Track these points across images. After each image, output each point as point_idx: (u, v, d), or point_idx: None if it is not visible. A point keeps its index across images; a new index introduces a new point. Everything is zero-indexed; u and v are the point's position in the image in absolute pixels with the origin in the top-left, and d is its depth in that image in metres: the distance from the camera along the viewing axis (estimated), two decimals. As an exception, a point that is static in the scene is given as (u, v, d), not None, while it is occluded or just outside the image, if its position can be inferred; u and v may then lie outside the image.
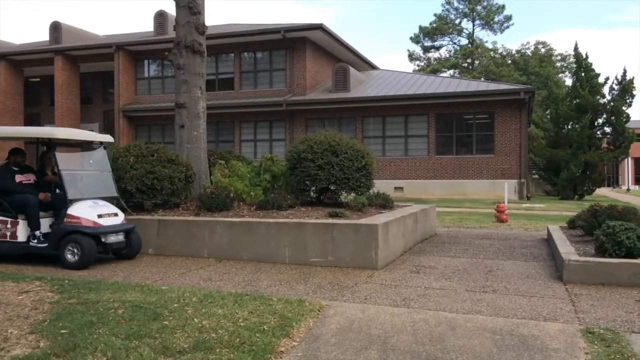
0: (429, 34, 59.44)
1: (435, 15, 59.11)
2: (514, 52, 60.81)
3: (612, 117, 26.60)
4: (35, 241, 7.40)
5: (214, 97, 26.46)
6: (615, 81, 27.04)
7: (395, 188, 23.25)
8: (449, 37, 60.02)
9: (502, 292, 5.83)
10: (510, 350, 4.03)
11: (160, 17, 29.15)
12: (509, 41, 78.71)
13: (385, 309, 5.10)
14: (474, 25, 59.10)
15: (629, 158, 52.17)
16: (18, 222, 7.46)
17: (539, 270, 7.10)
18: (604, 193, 35.51)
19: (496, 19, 57.83)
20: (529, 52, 60.18)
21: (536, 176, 32.19)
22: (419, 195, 22.90)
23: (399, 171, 24.17)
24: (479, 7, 57.57)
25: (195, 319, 4.57)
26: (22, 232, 7.47)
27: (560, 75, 57.77)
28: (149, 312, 4.74)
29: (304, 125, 25.51)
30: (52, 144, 7.63)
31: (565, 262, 6.40)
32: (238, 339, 4.10)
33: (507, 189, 20.76)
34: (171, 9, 11.16)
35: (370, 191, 10.09)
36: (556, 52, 61.24)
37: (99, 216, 7.34)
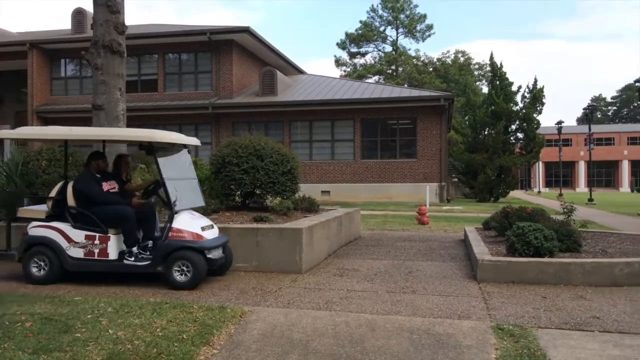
0: (354, 41, 60.65)
1: (360, 22, 60.58)
2: (435, 60, 63.25)
3: (524, 124, 28.24)
4: (132, 259, 6.38)
5: (136, 99, 25.61)
6: (527, 90, 28.77)
7: (322, 192, 23.46)
8: (374, 44, 61.53)
9: (421, 293, 6.03)
10: (426, 349, 4.17)
11: (79, 14, 27.87)
12: (430, 49, 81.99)
13: (307, 312, 5.13)
14: (397, 33, 60.94)
15: (540, 162, 55.54)
16: (109, 237, 6.41)
17: (455, 270, 7.40)
18: (517, 195, 37.59)
19: (418, 28, 59.93)
20: (449, 60, 62.75)
21: (456, 180, 33.54)
22: (345, 198, 23.23)
23: (325, 175, 24.41)
24: (402, 16, 59.40)
25: (109, 330, 4.39)
26: (113, 249, 6.41)
27: (477, 83, 60.67)
28: (59, 325, 4.51)
29: (231, 128, 25.22)
30: (152, 148, 6.44)
31: (479, 262, 6.71)
32: (155, 350, 3.99)
33: (428, 192, 21.50)
34: (90, 7, 10.67)
35: (296, 195, 10.12)
36: (474, 61, 64.34)
37: (202, 229, 6.43)
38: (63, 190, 6.71)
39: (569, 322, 4.87)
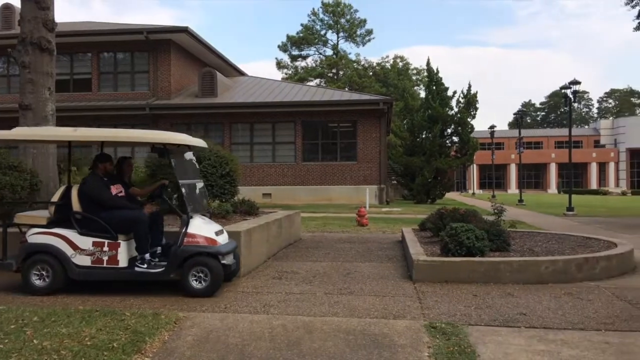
0: (296, 43, 60.82)
1: (302, 25, 60.73)
2: (375, 64, 64.37)
3: (459, 128, 29.21)
4: (145, 266, 6.04)
5: (68, 98, 24.60)
6: (462, 95, 29.76)
7: (263, 194, 23.33)
8: (315, 47, 61.96)
9: (358, 294, 6.10)
10: (362, 350, 4.22)
11: (6, 10, 26.48)
12: (370, 54, 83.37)
13: (244, 316, 5.09)
14: (338, 37, 61.61)
15: (474, 165, 57.61)
16: (119, 243, 6.04)
17: (392, 270, 7.54)
18: (453, 197, 38.77)
19: (359, 32, 60.86)
20: (388, 65, 64.07)
21: (395, 182, 34.24)
22: (286, 201, 23.21)
23: (267, 177, 24.30)
24: (342, 20, 60.11)
25: (34, 340, 4.19)
26: (124, 256, 6.04)
27: (415, 88, 62.21)
28: (-21, 337, 4.25)
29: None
30: (167, 150, 6.17)
31: (414, 262, 6.87)
32: (83, 359, 3.84)
33: (368, 194, 21.82)
34: (18, 2, 10.17)
35: (236, 198, 10.03)
36: (412, 67, 66.00)
37: (216, 234, 6.20)
38: (66, 195, 6.30)
39: (497, 319, 5.06)
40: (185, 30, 24.13)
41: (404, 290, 6.31)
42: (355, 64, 60.94)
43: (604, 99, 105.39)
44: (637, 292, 6.22)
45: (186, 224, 5.99)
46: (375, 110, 23.94)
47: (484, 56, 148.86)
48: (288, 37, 60.81)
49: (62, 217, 6.18)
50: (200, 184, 6.83)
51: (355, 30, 60.35)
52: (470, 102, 29.20)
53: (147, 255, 6.12)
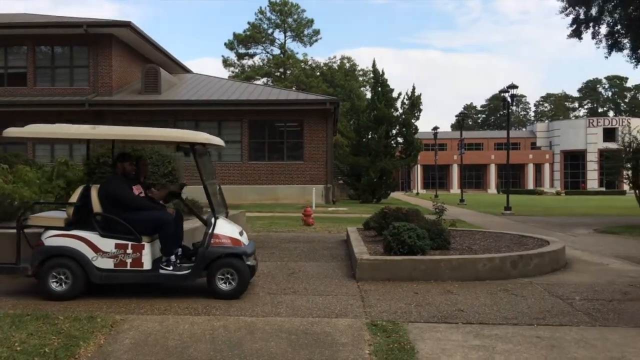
0: (243, 42, 60.27)
1: (249, 23, 60.20)
2: (322, 64, 64.64)
3: (404, 129, 29.77)
4: (170, 268, 5.85)
5: (2, 93, 23.44)
6: (406, 96, 30.34)
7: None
8: (263, 46, 61.62)
9: (302, 293, 6.12)
10: (304, 349, 4.23)
11: None
12: (318, 54, 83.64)
13: (185, 318, 5.00)
14: (285, 37, 61.50)
15: (419, 165, 58.93)
16: (143, 245, 5.82)
17: (336, 269, 7.60)
18: (397, 197, 39.48)
19: (306, 32, 60.95)
20: (335, 65, 64.48)
21: (341, 181, 34.53)
22: (232, 200, 22.89)
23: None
24: (290, 20, 60.04)
25: (-42, 348, 3.96)
26: (148, 258, 5.84)
27: (362, 88, 62.90)
28: None
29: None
30: (194, 150, 5.99)
31: (357, 261, 6.95)
32: (12, 366, 3.66)
33: (314, 193, 21.91)
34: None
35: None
36: (359, 68, 66.67)
37: (240, 234, 6.12)
38: (85, 195, 5.98)
39: (436, 316, 5.19)
40: (127, 25, 23.46)
41: (347, 289, 6.37)
42: (302, 64, 61.01)
43: (541, 102, 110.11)
44: (567, 288, 6.52)
45: (212, 225, 5.90)
46: (322, 110, 24.05)
47: (428, 59, 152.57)
48: (235, 35, 60.21)
49: (81, 219, 5.90)
50: (218, 185, 6.71)
51: (303, 30, 60.43)
52: (414, 103, 29.80)
53: (173, 257, 5.96)
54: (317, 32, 61.38)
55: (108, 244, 5.79)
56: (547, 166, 72.26)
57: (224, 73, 62.86)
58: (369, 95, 47.58)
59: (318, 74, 61.62)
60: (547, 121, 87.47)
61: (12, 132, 5.86)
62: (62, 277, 5.70)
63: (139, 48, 26.51)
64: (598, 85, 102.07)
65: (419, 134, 30.91)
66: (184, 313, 5.20)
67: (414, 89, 30.55)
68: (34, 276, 5.79)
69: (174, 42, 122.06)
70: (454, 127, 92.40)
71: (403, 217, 9.00)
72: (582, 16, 17.54)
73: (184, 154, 6.09)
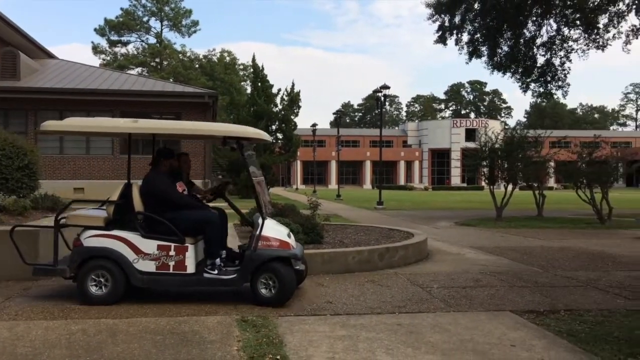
0: (115, 28, 56.95)
1: (122, 9, 57.02)
2: (201, 57, 63.10)
3: (283, 125, 30.04)
4: (215, 272, 5.44)
5: None
6: (286, 93, 30.61)
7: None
8: (137, 34, 58.70)
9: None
10: (169, 349, 4.10)
11: None
12: (197, 46, 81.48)
13: (38, 323, 4.63)
14: (162, 26, 59.13)
15: (298, 161, 59.76)
16: (186, 247, 5.42)
17: (209, 266, 7.46)
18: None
19: (184, 23, 59.06)
20: (215, 58, 63.22)
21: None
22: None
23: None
24: (167, 8, 57.83)
25: None
26: (191, 261, 5.43)
27: (242, 83, 62.38)
28: None
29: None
30: (242, 146, 5.62)
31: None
32: None
33: (191, 189, 21.31)
34: None
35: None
36: (239, 62, 65.96)
37: (288, 236, 5.69)
38: (126, 193, 5.58)
39: (306, 309, 5.31)
40: (-21, 1, 21.11)
41: (219, 285, 6.28)
42: (180, 55, 59.07)
43: (412, 103, 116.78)
44: (427, 277, 7.00)
45: (260, 226, 5.48)
46: (200, 104, 23.46)
47: (308, 57, 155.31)
48: (106, 20, 56.67)
49: (121, 218, 5.52)
50: (264, 183, 6.25)
51: (181, 20, 58.46)
52: (293, 100, 30.17)
53: (218, 260, 5.55)
54: (195, 23, 59.78)
55: (150, 245, 5.42)
56: (417, 163, 76.79)
57: (95, 61, 58.96)
58: (249, 90, 47.44)
59: (197, 66, 60.08)
60: (417, 121, 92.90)
61: (50, 125, 5.58)
62: (102, 280, 5.33)
63: (-6, 28, 23.99)
64: (462, 89, 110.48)
65: (298, 130, 31.36)
66: (38, 318, 4.82)
67: (293, 85, 30.88)
68: (72, 279, 5.42)
69: (36, 25, 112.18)
70: (333, 124, 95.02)
71: (279, 212, 9.08)
72: (447, 24, 18.85)
73: (231, 149, 5.81)
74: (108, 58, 57.56)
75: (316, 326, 4.75)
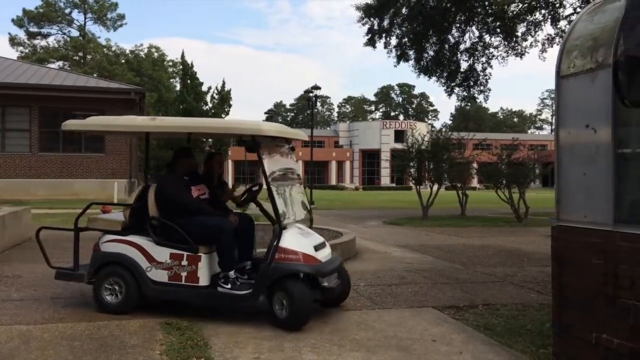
0: (34, 19, 54.00)
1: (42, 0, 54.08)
2: (128, 52, 60.98)
3: (214, 124, 29.58)
4: (228, 286, 4.88)
5: None
6: (216, 91, 30.17)
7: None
8: (59, 26, 55.95)
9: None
10: (87, 355, 3.95)
11: None
12: (123, 41, 78.71)
13: (-58, 333, 4.32)
14: (85, 18, 56.69)
15: (230, 160, 59.08)
16: (199, 257, 4.94)
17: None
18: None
19: (109, 16, 56.92)
20: (142, 54, 61.30)
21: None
22: (18, 196, 20.42)
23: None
24: (91, 0, 55.44)
25: None
26: (205, 272, 4.96)
27: (172, 80, 60.83)
28: None
29: None
30: (256, 143, 4.96)
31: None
32: None
33: (117, 188, 20.59)
34: None
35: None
36: (168, 58, 64.24)
37: (315, 248, 5.00)
38: (144, 197, 5.23)
39: (234, 310, 5.25)
40: None
41: (143, 288, 6.10)
42: (105, 50, 56.80)
43: (343, 104, 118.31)
44: (355, 276, 7.09)
45: (278, 235, 4.86)
46: (126, 100, 22.66)
47: (240, 55, 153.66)
48: (25, 11, 53.60)
49: (138, 223, 5.17)
50: (297, 186, 5.72)
51: (106, 13, 56.24)
52: (224, 98, 29.78)
53: (232, 273, 4.96)
54: (122, 17, 57.75)
55: (163, 253, 5.00)
56: (348, 163, 77.90)
57: (12, 53, 55.60)
58: (178, 87, 46.33)
59: (123, 61, 57.97)
60: (348, 122, 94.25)
61: (72, 124, 5.45)
62: (117, 287, 5.04)
63: None
64: (391, 91, 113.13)
65: (229, 129, 30.97)
66: (-58, 327, 4.50)
67: (224, 83, 30.45)
68: (90, 283, 5.18)
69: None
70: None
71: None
72: (376, 27, 19.22)
73: (246, 149, 5.09)
74: (27, 51, 54.45)
75: (243, 327, 4.72)
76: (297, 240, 4.94)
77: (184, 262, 4.96)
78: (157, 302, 5.17)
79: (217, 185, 5.68)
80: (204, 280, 4.96)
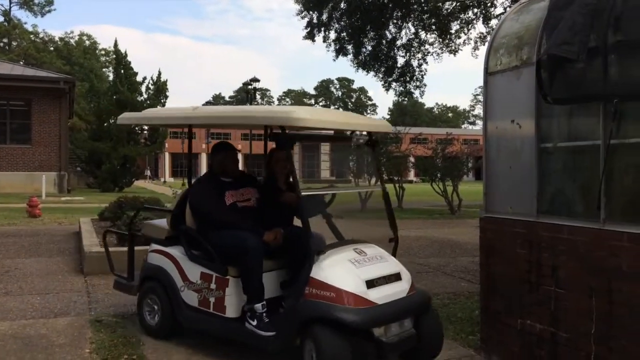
0: (-47, 1, 50.49)
1: (-39, -20, 50.67)
2: (57, 39, 58.20)
3: (148, 115, 28.72)
4: (255, 322, 3.67)
5: None
6: (152, 81, 29.29)
7: None
8: (-20, 10, 52.53)
9: (16, 294, 5.46)
10: (11, 356, 3.77)
11: None
12: (52, 27, 75.04)
13: None
14: (10, 3, 53.53)
15: (167, 153, 57.75)
16: (227, 280, 3.84)
17: (62, 265, 6.98)
18: (143, 185, 38.04)
19: (37, 1, 53.99)
20: (73, 42, 58.68)
21: (79, 169, 31.73)
22: None
23: None
24: (16, -17, 52.48)
25: None
26: (232, 301, 3.82)
27: (104, 69, 58.61)
28: None
29: None
30: (286, 136, 3.79)
31: (86, 253, 6.49)
32: None
33: (45, 181, 19.69)
34: None
35: None
36: (101, 47, 61.85)
37: (369, 284, 3.51)
38: (184, 202, 4.30)
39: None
40: None
41: (72, 285, 5.91)
42: (32, 36, 53.96)
43: (283, 97, 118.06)
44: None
45: (310, 262, 3.54)
46: (55, 89, 21.66)
47: (177, 45, 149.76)
48: (-58, -9, 50.05)
49: (176, 232, 4.29)
50: (369, 193, 4.62)
51: (33, -3, 53.43)
52: (160, 89, 28.95)
53: (260, 307, 3.73)
54: (50, 2, 54.88)
55: (195, 272, 4.06)
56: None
57: None
58: (111, 77, 44.67)
59: (52, 49, 55.28)
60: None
61: (127, 118, 5.04)
62: (155, 306, 4.29)
63: None
64: (331, 85, 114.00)
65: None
66: None
67: (159, 74, 29.56)
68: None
69: None
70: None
71: (141, 205, 8.69)
72: (315, 20, 19.21)
73: (277, 145, 4.21)
74: (-56, 34, 50.92)
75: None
76: (340, 270, 3.56)
77: (213, 285, 3.96)
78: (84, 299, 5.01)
79: (285, 189, 4.35)
80: (231, 311, 3.85)
